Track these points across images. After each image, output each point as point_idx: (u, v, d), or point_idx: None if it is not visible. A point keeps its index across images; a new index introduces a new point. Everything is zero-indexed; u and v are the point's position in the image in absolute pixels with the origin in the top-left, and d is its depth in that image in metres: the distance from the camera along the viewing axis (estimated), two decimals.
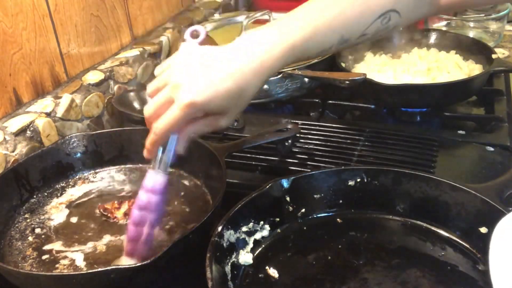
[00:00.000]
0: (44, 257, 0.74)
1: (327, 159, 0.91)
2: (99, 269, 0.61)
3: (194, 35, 0.67)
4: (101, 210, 0.81)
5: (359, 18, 0.69)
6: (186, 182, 0.88)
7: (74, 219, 0.81)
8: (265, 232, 0.73)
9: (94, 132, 0.93)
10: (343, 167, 0.79)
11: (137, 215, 0.66)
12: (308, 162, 0.91)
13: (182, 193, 0.85)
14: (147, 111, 0.63)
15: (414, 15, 0.75)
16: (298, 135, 0.96)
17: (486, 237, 0.68)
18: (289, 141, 0.93)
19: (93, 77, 1.06)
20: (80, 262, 0.72)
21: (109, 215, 0.80)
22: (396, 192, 0.75)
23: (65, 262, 0.72)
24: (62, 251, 0.74)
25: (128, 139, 0.92)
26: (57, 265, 0.72)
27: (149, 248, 0.68)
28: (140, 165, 0.92)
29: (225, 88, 0.60)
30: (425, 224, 0.74)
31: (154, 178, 0.66)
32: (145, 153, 0.66)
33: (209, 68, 0.61)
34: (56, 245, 0.75)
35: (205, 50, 0.63)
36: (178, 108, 0.60)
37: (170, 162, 0.66)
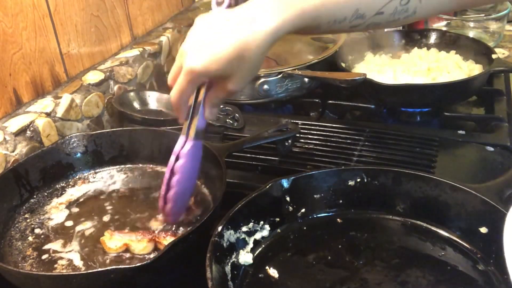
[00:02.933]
0: (44, 257, 0.74)
1: (327, 159, 0.91)
2: (99, 269, 0.62)
3: (219, 3, 0.70)
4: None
5: None
6: None
7: (74, 219, 0.81)
8: (265, 232, 0.73)
9: (94, 132, 0.93)
10: (343, 167, 0.79)
11: (167, 176, 0.71)
12: (308, 162, 0.91)
13: None
14: (169, 79, 0.68)
15: (433, 5, 0.71)
16: (298, 135, 0.96)
17: (486, 237, 0.68)
18: (289, 141, 0.93)
19: (93, 77, 1.06)
20: (79, 262, 0.72)
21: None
22: (396, 192, 0.75)
23: (65, 262, 0.72)
24: (62, 251, 0.74)
25: (128, 139, 0.92)
26: (56, 265, 0.72)
27: (177, 207, 0.73)
28: (140, 165, 0.92)
29: (224, 54, 0.61)
30: (425, 224, 0.74)
31: (181, 143, 0.70)
32: (178, 119, 0.71)
33: (213, 35, 0.62)
34: (56, 245, 0.75)
35: (216, 17, 0.64)
36: (182, 74, 0.64)
37: (198, 128, 0.69)
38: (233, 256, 0.67)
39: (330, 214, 0.77)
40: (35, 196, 0.85)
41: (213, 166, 0.82)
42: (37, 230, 0.79)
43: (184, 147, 0.70)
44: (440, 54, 1.17)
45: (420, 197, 0.74)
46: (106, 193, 0.87)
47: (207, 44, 0.62)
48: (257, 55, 0.62)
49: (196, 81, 0.65)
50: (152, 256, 0.70)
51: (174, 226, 0.77)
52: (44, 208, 0.84)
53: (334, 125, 1.03)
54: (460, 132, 0.98)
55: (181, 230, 0.76)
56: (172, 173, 0.71)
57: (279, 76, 1.06)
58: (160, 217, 0.78)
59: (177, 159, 0.70)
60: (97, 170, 0.92)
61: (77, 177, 0.91)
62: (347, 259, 0.69)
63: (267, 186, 0.73)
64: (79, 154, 0.91)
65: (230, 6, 0.70)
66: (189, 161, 0.70)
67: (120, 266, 0.61)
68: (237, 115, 1.05)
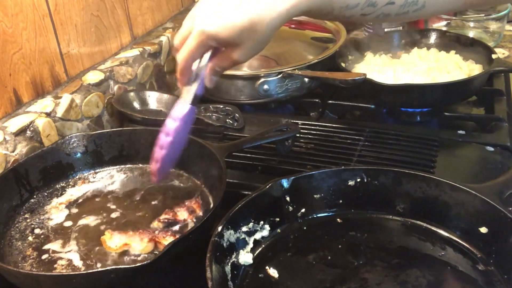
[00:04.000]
0: (44, 257, 0.74)
1: (327, 159, 0.91)
2: (99, 269, 0.62)
3: None
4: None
5: None
6: (186, 182, 0.88)
7: (74, 219, 0.81)
8: (265, 232, 0.73)
9: (94, 132, 0.93)
10: (343, 167, 0.78)
11: (160, 138, 0.72)
12: (308, 162, 0.91)
13: (182, 193, 0.85)
14: (175, 41, 0.68)
15: (441, 2, 0.72)
16: (298, 135, 0.96)
17: (486, 237, 0.68)
18: (289, 141, 0.93)
19: (93, 77, 1.05)
20: (79, 262, 0.72)
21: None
22: (396, 192, 0.75)
23: (64, 262, 0.72)
24: (62, 251, 0.74)
25: (128, 139, 0.92)
26: (56, 265, 0.72)
27: (163, 168, 0.74)
28: (140, 165, 0.92)
29: (238, 22, 0.62)
30: (425, 224, 0.74)
31: (178, 106, 0.71)
32: (178, 83, 0.71)
33: (229, 4, 0.63)
34: (56, 245, 0.75)
35: None
36: (192, 36, 0.64)
37: (197, 94, 0.70)
38: (233, 256, 0.67)
39: (330, 214, 0.77)
40: (35, 196, 0.85)
41: (213, 166, 0.82)
42: (37, 230, 0.79)
43: (180, 110, 0.71)
44: (440, 54, 1.17)
45: (420, 197, 0.74)
46: (106, 193, 0.87)
47: (222, 11, 0.63)
48: (268, 30, 0.63)
49: (205, 44, 0.65)
50: (152, 256, 0.70)
51: (176, 227, 0.77)
52: (44, 208, 0.84)
53: (334, 125, 1.03)
54: (460, 132, 0.98)
55: (181, 230, 0.76)
56: (164, 133, 0.72)
57: (279, 76, 1.06)
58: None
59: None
60: (97, 170, 0.92)
61: (77, 177, 0.91)
62: (347, 259, 0.69)
63: (267, 186, 0.73)
64: (79, 154, 0.91)
65: None
66: (182, 125, 0.71)
67: (120, 266, 0.61)
68: (237, 115, 1.06)
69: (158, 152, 0.72)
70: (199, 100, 0.71)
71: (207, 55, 0.68)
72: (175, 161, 0.76)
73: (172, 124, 0.71)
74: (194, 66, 0.68)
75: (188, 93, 0.70)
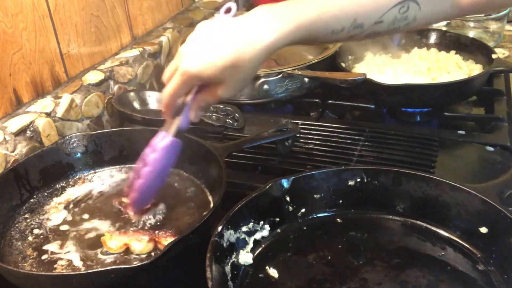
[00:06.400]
0: (44, 257, 0.73)
1: (327, 159, 0.91)
2: (99, 269, 0.62)
3: (227, 11, 0.71)
4: (117, 203, 0.82)
5: (374, 3, 0.67)
6: (186, 182, 0.88)
7: (73, 219, 0.81)
8: (265, 232, 0.73)
9: (94, 132, 0.93)
10: (343, 167, 0.79)
11: (138, 166, 0.73)
12: (308, 162, 0.91)
13: (182, 193, 0.85)
14: (164, 77, 0.69)
15: (434, 12, 0.71)
16: (298, 135, 0.96)
17: (486, 237, 0.68)
18: (289, 141, 0.93)
19: (93, 77, 1.05)
20: (79, 262, 0.72)
21: (122, 209, 0.81)
22: (396, 192, 0.75)
23: (64, 262, 0.72)
24: (62, 251, 0.74)
25: (128, 139, 0.92)
26: (56, 265, 0.72)
27: (140, 199, 0.75)
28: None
29: (219, 61, 0.63)
30: (425, 224, 0.74)
31: (159, 137, 0.71)
32: (163, 115, 0.72)
33: (212, 42, 0.64)
34: (56, 245, 0.75)
35: (216, 25, 0.66)
36: (176, 75, 0.66)
37: (181, 128, 0.70)
38: (233, 256, 0.67)
39: (330, 214, 0.77)
40: (35, 196, 0.85)
41: (213, 166, 0.82)
42: (37, 230, 0.79)
43: (162, 141, 0.71)
44: (440, 54, 1.17)
45: (420, 197, 0.74)
46: (106, 193, 0.87)
47: (205, 50, 0.64)
48: (250, 66, 0.64)
49: (189, 83, 0.66)
50: (152, 256, 0.70)
51: (174, 228, 0.77)
52: (44, 208, 0.84)
53: (334, 125, 1.03)
54: (460, 132, 0.98)
55: (181, 230, 0.76)
56: (142, 163, 0.72)
57: (279, 76, 1.06)
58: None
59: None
60: (97, 170, 0.92)
61: (77, 177, 0.91)
62: (347, 259, 0.69)
63: (267, 186, 0.73)
64: (79, 154, 0.91)
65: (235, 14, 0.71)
66: (163, 157, 0.71)
67: (120, 266, 0.61)
68: (237, 115, 1.06)
69: (133, 178, 0.73)
70: (183, 135, 0.72)
71: (193, 90, 0.68)
72: (155, 193, 0.76)
73: (152, 154, 0.71)
74: (180, 100, 0.69)
75: (172, 125, 0.70)
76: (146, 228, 0.77)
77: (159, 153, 0.71)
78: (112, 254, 0.73)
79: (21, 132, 0.88)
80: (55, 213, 0.82)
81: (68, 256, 0.73)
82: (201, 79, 0.65)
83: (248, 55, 0.63)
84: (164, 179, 0.76)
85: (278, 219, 0.74)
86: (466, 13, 0.76)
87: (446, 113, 1.04)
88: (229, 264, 0.66)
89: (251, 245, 0.70)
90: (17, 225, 0.80)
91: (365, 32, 0.68)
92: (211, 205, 0.81)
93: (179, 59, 0.66)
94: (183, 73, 0.64)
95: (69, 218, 0.81)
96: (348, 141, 0.97)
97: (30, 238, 0.77)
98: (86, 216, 0.81)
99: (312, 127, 1.02)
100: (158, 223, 0.78)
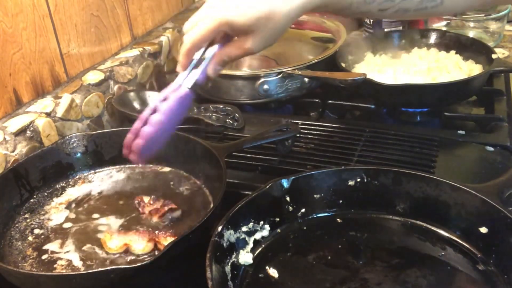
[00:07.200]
0: (44, 257, 0.74)
1: (327, 159, 0.91)
2: (99, 269, 0.61)
3: None
4: (136, 202, 0.82)
5: None
6: (186, 182, 0.88)
7: (73, 219, 0.81)
8: (265, 232, 0.73)
9: (94, 132, 0.93)
10: (343, 167, 0.78)
11: (146, 112, 0.67)
12: (308, 162, 0.91)
13: (182, 193, 0.85)
14: (186, 26, 0.68)
15: (460, 1, 0.71)
16: (298, 135, 0.96)
17: (486, 237, 0.68)
18: (289, 141, 0.93)
19: (93, 77, 1.06)
20: (79, 262, 0.72)
21: (140, 208, 0.81)
22: (396, 192, 0.75)
23: (64, 262, 0.72)
24: (62, 251, 0.74)
25: None
26: (56, 265, 0.72)
27: (146, 149, 0.67)
28: (140, 165, 0.92)
29: (255, 11, 0.63)
30: (425, 224, 0.74)
31: (172, 87, 0.68)
32: (178, 67, 0.69)
33: None
34: (56, 245, 0.75)
35: None
36: (207, 21, 0.64)
37: (198, 81, 0.68)
38: (233, 256, 0.67)
39: (330, 214, 0.77)
40: (35, 196, 0.85)
41: (213, 166, 0.82)
42: (37, 230, 0.79)
43: (177, 91, 0.68)
44: (440, 54, 1.17)
45: (420, 197, 0.74)
46: (106, 193, 0.87)
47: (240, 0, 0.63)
48: (283, 21, 0.64)
49: (218, 29, 0.65)
50: (152, 256, 0.70)
51: (171, 224, 0.77)
52: (44, 208, 0.84)
53: (334, 125, 1.03)
54: (460, 132, 0.98)
55: (181, 230, 0.76)
56: (154, 112, 0.68)
57: (279, 76, 1.06)
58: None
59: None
60: (97, 170, 0.92)
61: (77, 177, 0.91)
62: (347, 259, 0.69)
63: (267, 186, 0.73)
64: (79, 154, 0.91)
65: None
66: (176, 107, 0.68)
67: (120, 266, 0.61)
68: (237, 115, 1.05)
69: (138, 124, 0.67)
70: (195, 95, 0.69)
71: (215, 46, 0.66)
72: (160, 145, 0.70)
73: (164, 103, 0.67)
74: (198, 55, 0.67)
75: (188, 77, 0.68)
76: (150, 229, 0.77)
77: (173, 102, 0.67)
78: (112, 254, 0.73)
79: (21, 132, 0.88)
80: (56, 213, 0.82)
81: (68, 256, 0.73)
82: (234, 26, 0.64)
83: (283, 9, 0.63)
84: (171, 132, 0.71)
85: (278, 219, 0.74)
86: (488, 4, 0.76)
87: (446, 113, 1.04)
88: (229, 264, 0.66)
89: (251, 245, 0.70)
90: (17, 225, 0.80)
91: (394, 7, 0.68)
92: (211, 205, 0.81)
93: (209, 7, 0.65)
94: (216, 18, 0.63)
95: (70, 217, 0.81)
96: (348, 141, 0.97)
97: (30, 238, 0.77)
98: (86, 216, 0.81)
99: (312, 127, 1.02)
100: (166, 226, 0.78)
